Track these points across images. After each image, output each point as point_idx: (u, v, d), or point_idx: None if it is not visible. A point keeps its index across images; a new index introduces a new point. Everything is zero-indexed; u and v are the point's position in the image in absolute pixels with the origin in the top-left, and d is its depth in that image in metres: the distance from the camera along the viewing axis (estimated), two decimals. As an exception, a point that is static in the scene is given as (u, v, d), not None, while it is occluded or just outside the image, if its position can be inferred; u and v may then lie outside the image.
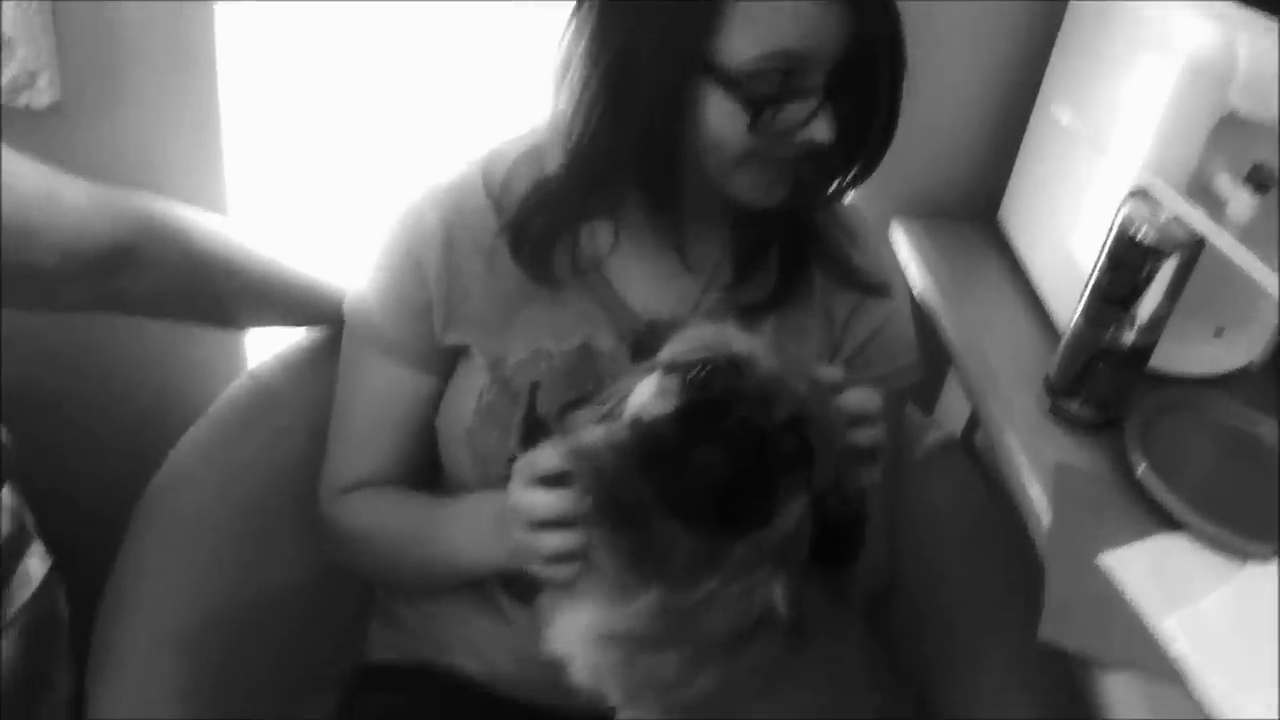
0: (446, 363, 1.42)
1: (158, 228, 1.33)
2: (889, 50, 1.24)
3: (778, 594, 1.12)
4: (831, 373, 1.20)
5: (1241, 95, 1.43)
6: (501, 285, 1.37)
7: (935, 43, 1.70)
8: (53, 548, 1.40)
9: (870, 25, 1.21)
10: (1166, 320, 1.42)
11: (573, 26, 1.27)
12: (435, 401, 1.43)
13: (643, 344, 1.23)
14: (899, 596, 1.65)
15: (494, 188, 1.38)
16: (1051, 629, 1.23)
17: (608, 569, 1.14)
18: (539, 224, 1.35)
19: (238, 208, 1.74)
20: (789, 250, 1.43)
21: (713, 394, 1.07)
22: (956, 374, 1.70)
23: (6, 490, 1.35)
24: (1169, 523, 1.35)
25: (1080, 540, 1.32)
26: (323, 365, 1.53)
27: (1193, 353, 1.60)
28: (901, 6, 1.24)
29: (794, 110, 1.22)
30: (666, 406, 1.08)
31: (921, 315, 1.68)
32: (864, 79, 1.24)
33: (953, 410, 2.06)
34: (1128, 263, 1.38)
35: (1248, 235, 1.40)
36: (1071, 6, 1.73)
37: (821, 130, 1.23)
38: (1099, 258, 1.42)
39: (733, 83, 1.19)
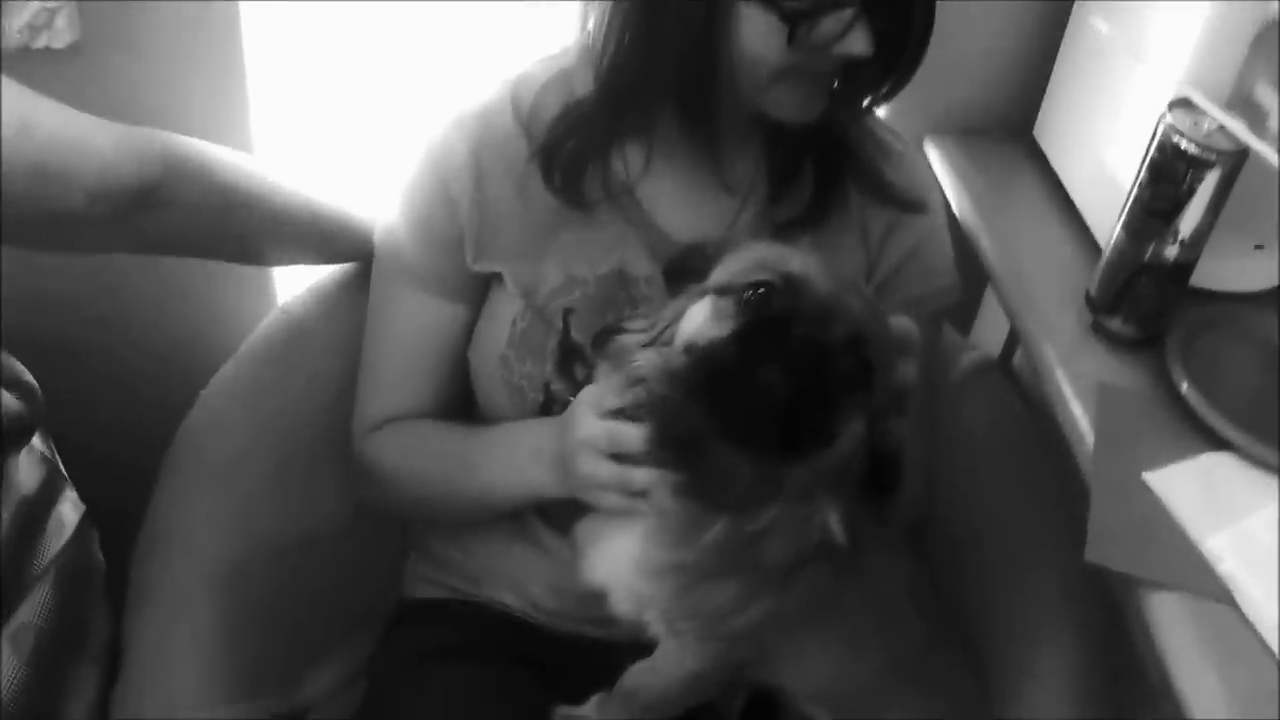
0: (478, 292, 1.41)
1: (183, 165, 1.31)
2: None
3: (833, 520, 1.11)
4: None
5: (1281, 4, 1.40)
6: (533, 211, 1.36)
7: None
8: (85, 495, 1.40)
9: None
10: (1209, 234, 1.39)
11: None
12: (468, 332, 1.42)
13: (679, 266, 1.22)
14: (938, 521, 1.64)
15: (523, 113, 1.36)
16: (1097, 550, 1.22)
17: (665, 501, 1.14)
18: (570, 148, 1.33)
19: (264, 142, 1.72)
20: (824, 167, 1.41)
21: (771, 313, 1.06)
22: (994, 293, 1.68)
23: (37, 439, 1.35)
24: (1213, 441, 1.34)
25: (1124, 460, 1.31)
26: (355, 299, 1.51)
27: (1233, 268, 1.57)
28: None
29: (830, 23, 1.19)
30: (723, 329, 1.07)
31: (958, 234, 1.65)
32: None
33: (990, 331, 2.04)
34: (1170, 175, 1.36)
35: (1288, 147, 1.38)
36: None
37: (859, 42, 1.20)
38: (1140, 170, 1.40)
39: None
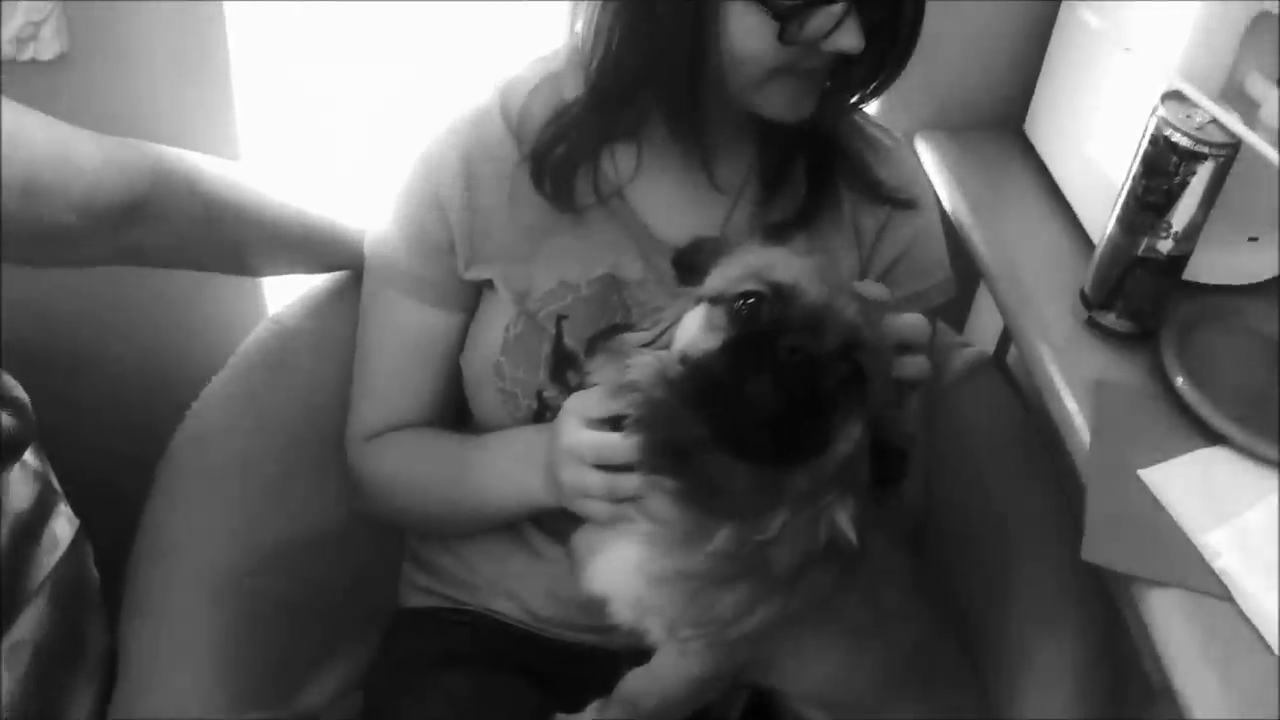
0: (471, 298, 1.40)
1: (172, 177, 1.31)
2: None
3: (843, 519, 1.11)
4: (875, 289, 1.20)
5: (1277, -8, 1.40)
6: (524, 216, 1.35)
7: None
8: (79, 509, 1.40)
9: None
10: (1202, 227, 1.39)
11: None
12: (460, 339, 1.42)
13: (685, 261, 1.22)
14: (935, 518, 1.64)
15: (511, 117, 1.35)
16: (1094, 549, 1.22)
17: (663, 508, 1.14)
18: (560, 151, 1.32)
19: (251, 152, 1.71)
20: (815, 166, 1.41)
21: (760, 325, 1.07)
22: (987, 290, 1.68)
23: (30, 454, 1.35)
24: (1210, 435, 1.34)
25: (1120, 457, 1.31)
26: (346, 307, 1.51)
27: (1227, 261, 1.56)
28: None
29: (820, 19, 1.18)
30: (714, 340, 1.08)
31: (950, 230, 1.65)
32: None
33: (984, 327, 2.04)
34: (1162, 168, 1.35)
35: (1280, 138, 1.38)
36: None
37: (850, 37, 1.20)
38: (1132, 164, 1.39)
39: None
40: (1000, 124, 1.91)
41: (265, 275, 1.67)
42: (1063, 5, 1.76)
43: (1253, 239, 1.60)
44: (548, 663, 1.46)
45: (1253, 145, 1.32)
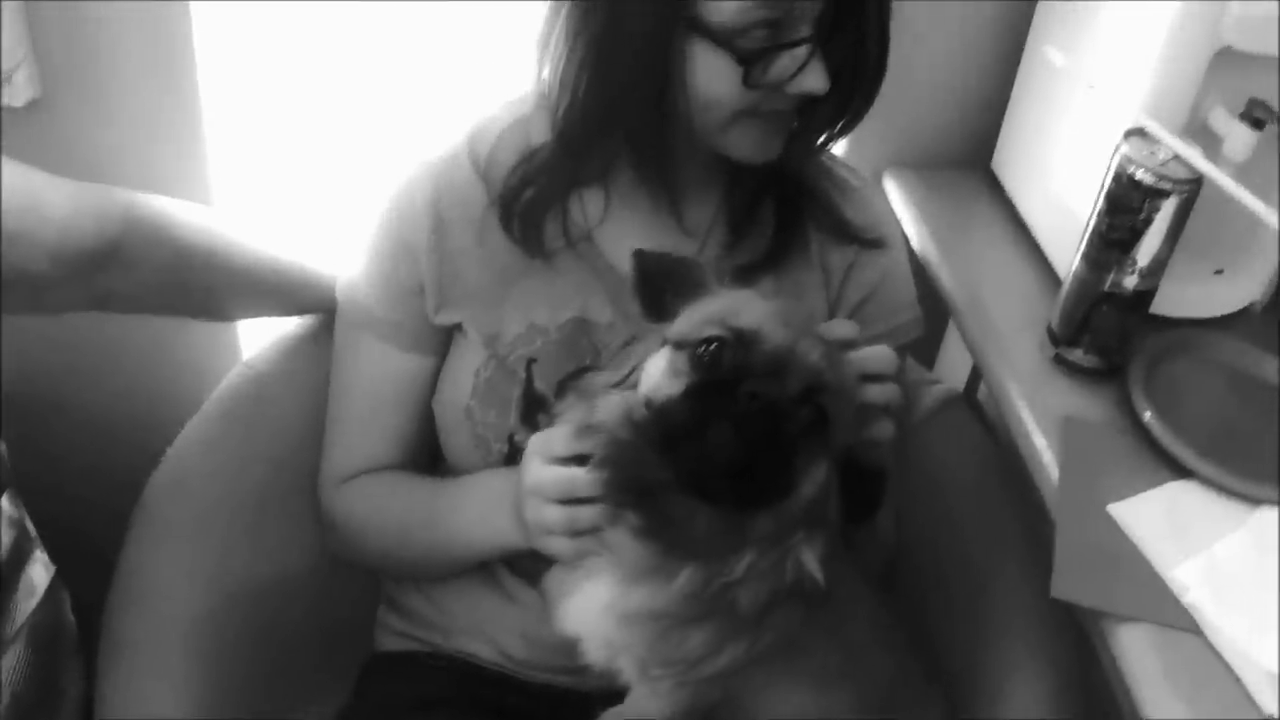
0: (441, 343, 1.40)
1: (143, 224, 1.32)
2: None
3: (809, 560, 1.13)
4: (842, 328, 1.22)
5: (1235, 29, 1.41)
6: (493, 259, 1.36)
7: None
8: (55, 554, 1.40)
9: None
10: (1168, 262, 1.40)
11: None
12: (432, 382, 1.42)
13: (645, 271, 1.22)
14: (906, 554, 1.64)
15: (480, 162, 1.36)
16: (1063, 585, 1.23)
17: (631, 549, 1.15)
18: (528, 195, 1.33)
19: (223, 198, 1.72)
20: (783, 207, 1.41)
21: (721, 372, 1.08)
22: (956, 327, 1.68)
23: (5, 501, 1.35)
24: (1177, 469, 1.35)
25: (1088, 493, 1.31)
26: (319, 351, 1.51)
27: (1194, 294, 1.58)
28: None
29: (785, 61, 1.20)
30: (677, 386, 1.09)
31: (919, 268, 1.66)
32: (851, 22, 1.22)
33: (954, 364, 2.04)
34: (1126, 204, 1.36)
35: (1245, 172, 1.39)
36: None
37: (815, 79, 1.21)
38: (1097, 201, 1.40)
39: (722, 38, 1.18)
40: (968, 161, 1.92)
41: (237, 319, 1.67)
42: (1028, 43, 1.78)
43: (1219, 272, 1.61)
44: (523, 705, 1.45)
45: (1215, 181, 1.33)
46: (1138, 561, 1.25)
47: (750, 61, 1.19)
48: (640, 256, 1.22)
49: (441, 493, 1.41)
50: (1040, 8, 1.75)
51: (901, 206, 1.84)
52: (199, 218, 1.40)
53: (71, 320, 1.38)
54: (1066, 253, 1.47)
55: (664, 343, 1.14)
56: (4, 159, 1.20)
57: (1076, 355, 1.47)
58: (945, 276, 1.69)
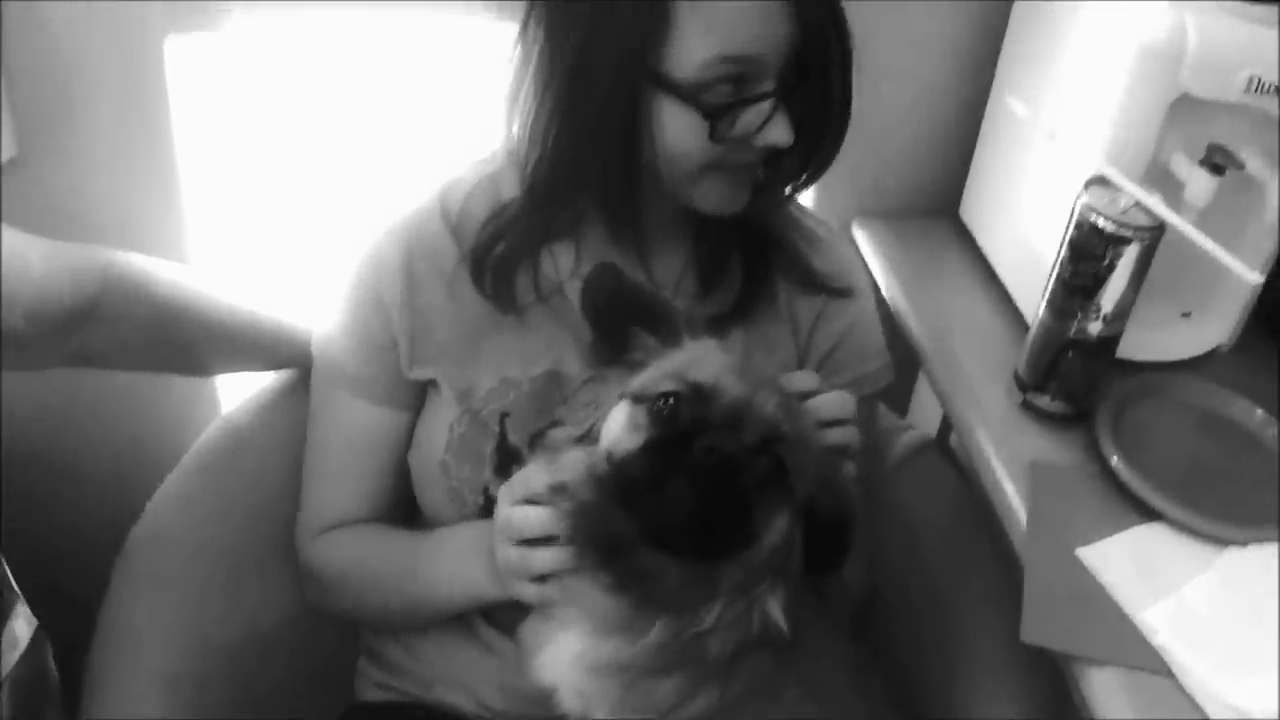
0: (415, 396, 1.41)
1: (121, 281, 1.33)
2: (835, 41, 1.25)
3: (775, 608, 1.14)
4: (803, 380, 1.23)
5: (1193, 77, 1.43)
6: (465, 314, 1.37)
7: (886, 42, 1.70)
8: (36, 607, 1.40)
9: (813, 18, 1.22)
10: (1132, 307, 1.42)
11: (520, 51, 1.28)
12: (406, 437, 1.43)
13: (593, 288, 1.25)
14: (881, 601, 1.65)
15: (451, 218, 1.37)
16: (1033, 630, 1.23)
17: (599, 601, 1.16)
18: (499, 250, 1.34)
19: (199, 253, 1.73)
20: (751, 258, 1.43)
21: (678, 426, 1.09)
22: (925, 374, 1.70)
23: None
24: (1146, 512, 1.36)
25: (1058, 537, 1.33)
26: (296, 405, 1.52)
27: (1162, 337, 1.60)
28: (851, 8, 1.25)
29: (750, 115, 1.22)
30: (637, 440, 1.10)
31: (888, 316, 1.68)
32: (813, 75, 1.24)
33: (927, 410, 2.06)
34: (1089, 252, 1.38)
35: (1207, 217, 1.41)
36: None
37: (780, 132, 1.23)
38: (1061, 249, 1.42)
39: (687, 93, 1.20)
40: (936, 209, 1.94)
41: (216, 374, 1.68)
42: (991, 93, 1.80)
43: (1186, 315, 1.63)
44: (502, 755, 1.45)
45: (1176, 227, 1.35)
46: (1107, 605, 1.26)
47: (715, 116, 1.21)
48: (599, 272, 1.26)
49: (417, 543, 1.41)
50: (1002, 58, 1.77)
51: (871, 255, 1.86)
52: (176, 274, 1.42)
53: (51, 375, 1.39)
54: (1034, 299, 1.49)
55: (623, 396, 1.15)
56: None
57: (1044, 401, 1.49)
58: (914, 324, 1.71)
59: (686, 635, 1.13)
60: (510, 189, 1.34)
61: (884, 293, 1.78)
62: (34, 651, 1.36)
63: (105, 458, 1.82)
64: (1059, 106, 1.60)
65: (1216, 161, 1.46)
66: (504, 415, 1.36)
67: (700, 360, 1.15)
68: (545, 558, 1.18)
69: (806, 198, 1.47)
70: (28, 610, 1.38)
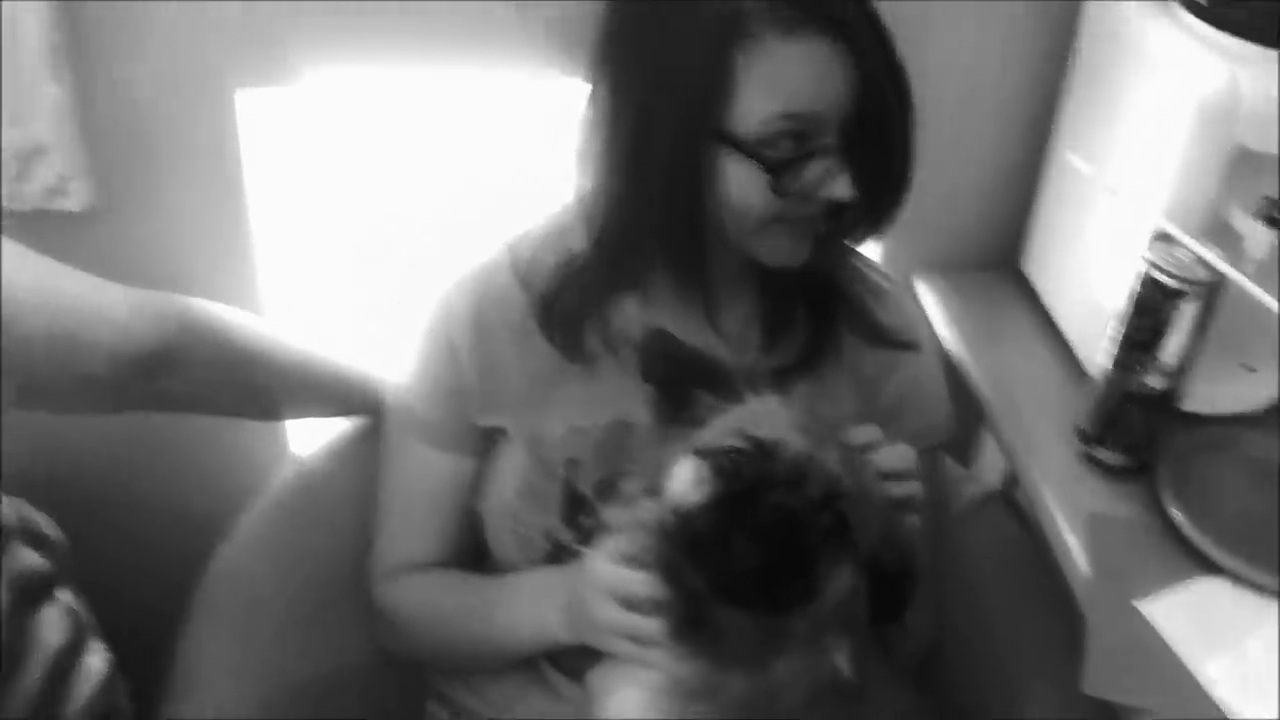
0: (482, 442, 1.44)
1: (199, 327, 1.36)
2: (896, 95, 1.26)
3: (841, 660, 1.15)
4: (866, 433, 1.23)
5: (1248, 130, 1.44)
6: (535, 364, 1.39)
7: (946, 98, 1.72)
8: (112, 645, 1.42)
9: (874, 72, 1.23)
10: (1193, 361, 1.42)
11: (589, 108, 1.30)
12: (472, 483, 1.45)
13: (649, 353, 1.28)
14: (944, 652, 1.65)
15: (521, 270, 1.39)
16: (1095, 682, 1.24)
17: (676, 667, 1.17)
18: (568, 301, 1.37)
19: (272, 304, 1.77)
20: (816, 311, 1.44)
21: (742, 482, 1.10)
22: (989, 426, 1.71)
23: (65, 592, 1.38)
24: (1207, 565, 1.36)
25: (1119, 590, 1.33)
26: (368, 450, 1.55)
27: (1225, 391, 1.60)
28: (912, 65, 1.26)
29: (812, 170, 1.24)
30: (701, 495, 1.11)
31: (952, 369, 1.69)
32: (875, 128, 1.26)
33: (992, 462, 2.05)
34: (1150, 306, 1.39)
35: (1265, 271, 1.41)
36: (1079, 53, 1.73)
37: (841, 187, 1.25)
38: (1127, 305, 1.43)
39: (750, 149, 1.21)
40: (997, 263, 1.94)
41: (290, 419, 1.71)
42: (1052, 149, 1.80)
43: (1249, 368, 1.62)
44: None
45: (1235, 281, 1.36)
46: (1168, 657, 1.26)
47: (778, 171, 1.22)
48: (652, 338, 1.27)
49: (489, 588, 1.44)
50: (1064, 115, 1.77)
51: (934, 309, 1.87)
52: (252, 321, 1.46)
53: (125, 418, 1.42)
54: (1096, 353, 1.49)
55: (687, 450, 1.17)
56: (62, 267, 1.25)
57: (1105, 454, 1.49)
58: (978, 377, 1.72)
59: (761, 692, 1.14)
60: (580, 242, 1.36)
61: (947, 345, 1.79)
62: (108, 686, 1.38)
63: (177, 498, 1.86)
64: (1119, 163, 1.61)
65: (1272, 215, 1.46)
66: (572, 463, 1.38)
67: (763, 416, 1.17)
68: (649, 628, 1.19)
69: (870, 252, 1.48)
70: (103, 646, 1.41)
